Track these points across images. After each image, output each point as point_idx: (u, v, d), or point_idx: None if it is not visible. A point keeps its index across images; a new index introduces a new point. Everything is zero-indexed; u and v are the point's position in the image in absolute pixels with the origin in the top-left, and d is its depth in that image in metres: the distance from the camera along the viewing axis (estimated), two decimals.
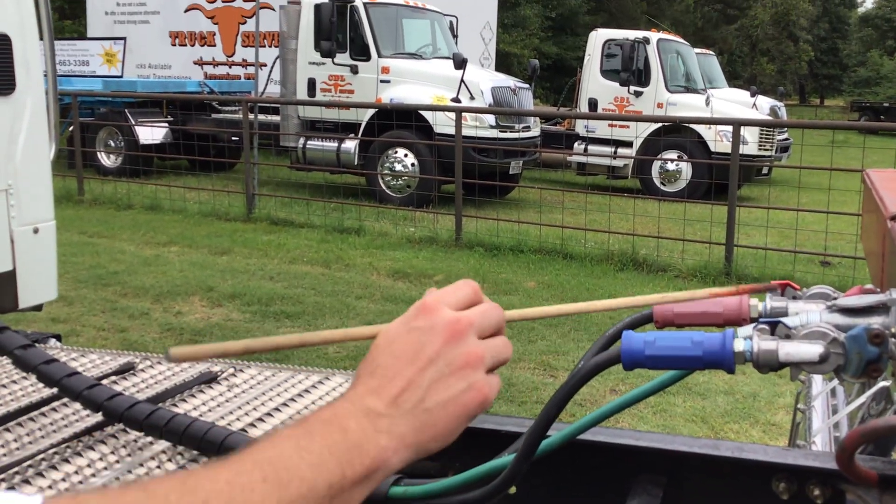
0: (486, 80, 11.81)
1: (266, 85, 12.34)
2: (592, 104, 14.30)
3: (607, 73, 14.33)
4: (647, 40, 14.07)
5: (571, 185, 12.89)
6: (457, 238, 8.91)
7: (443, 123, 10.75)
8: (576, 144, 14.37)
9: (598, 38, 14.68)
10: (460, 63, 10.99)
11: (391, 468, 0.71)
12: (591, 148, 14.02)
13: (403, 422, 0.72)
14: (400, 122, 11.07)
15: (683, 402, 4.78)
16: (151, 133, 12.81)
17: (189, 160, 13.27)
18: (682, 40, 15.89)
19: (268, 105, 12.61)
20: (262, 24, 15.24)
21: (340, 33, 11.88)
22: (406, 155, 11.37)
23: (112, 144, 13.29)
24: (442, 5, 13.25)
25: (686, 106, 13.70)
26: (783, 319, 0.94)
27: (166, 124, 13.20)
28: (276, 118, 12.53)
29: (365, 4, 11.90)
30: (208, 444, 1.47)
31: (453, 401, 0.74)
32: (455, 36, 13.48)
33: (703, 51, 19.23)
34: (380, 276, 7.69)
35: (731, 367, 0.93)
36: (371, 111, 11.50)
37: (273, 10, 14.24)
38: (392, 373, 0.73)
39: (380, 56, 11.82)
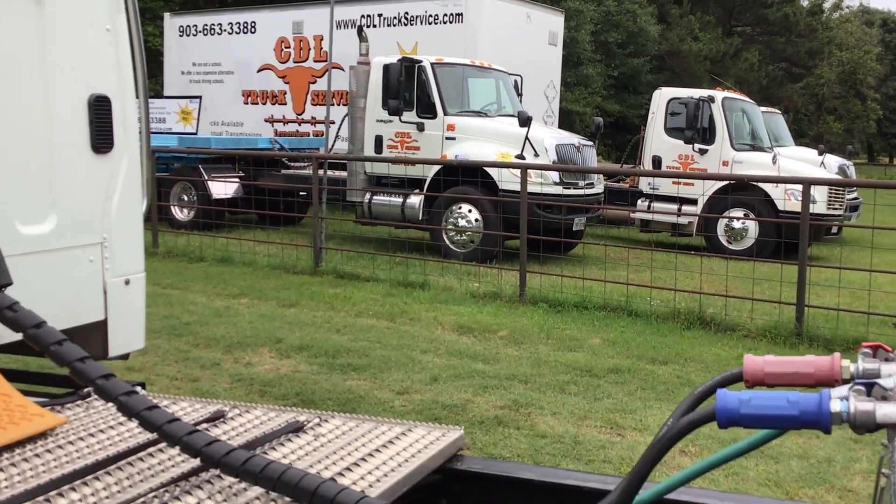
0: (550, 137, 11.92)
1: (334, 142, 12.66)
2: (656, 161, 14.28)
3: (671, 131, 14.33)
4: (711, 99, 14.06)
5: (635, 242, 12.83)
6: (521, 293, 8.93)
7: (507, 180, 10.86)
8: (639, 201, 14.33)
9: (663, 96, 14.73)
10: (525, 121, 11.13)
11: None
12: (655, 205, 13.96)
13: None
14: (465, 178, 11.23)
15: (756, 465, 4.67)
16: (224, 188, 13.20)
17: (258, 214, 13.61)
18: (747, 98, 15.83)
19: (335, 161, 12.90)
20: (331, 84, 15.72)
21: (408, 92, 12.16)
22: (470, 210, 11.49)
23: (185, 199, 13.73)
24: (507, 65, 13.48)
25: (752, 164, 13.58)
26: (879, 381, 0.96)
27: (238, 180, 13.60)
28: (343, 174, 12.81)
29: (432, 65, 12.19)
30: (302, 491, 1.53)
31: None
32: (520, 94, 13.67)
33: (769, 109, 19.10)
34: (444, 331, 7.73)
35: (827, 428, 0.94)
36: (436, 167, 11.69)
37: (343, 70, 14.66)
38: None
39: (446, 114, 12.05)
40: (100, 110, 2.67)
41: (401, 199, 11.99)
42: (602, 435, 5.16)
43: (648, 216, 14.06)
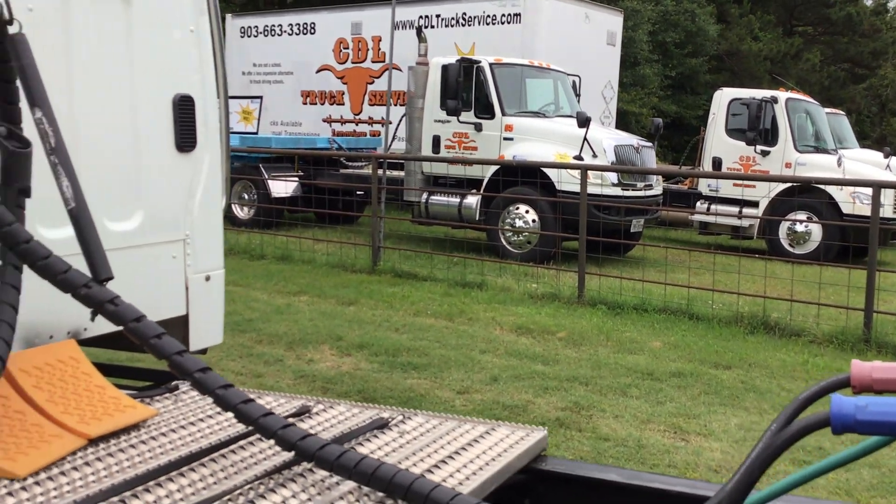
0: (608, 138, 11.83)
1: (391, 141, 12.73)
2: (717, 163, 14.06)
3: (733, 132, 14.10)
4: (775, 99, 13.79)
5: (693, 245, 12.66)
6: (579, 295, 8.88)
7: (566, 181, 10.80)
8: (698, 203, 14.14)
9: (724, 97, 14.50)
10: (584, 121, 11.06)
11: None
12: (715, 207, 13.76)
13: None
14: (522, 178, 11.20)
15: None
16: (284, 187, 13.38)
17: (316, 213, 13.75)
18: (811, 100, 15.50)
19: (392, 161, 12.97)
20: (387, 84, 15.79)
21: (466, 92, 12.18)
22: (527, 211, 11.46)
23: (246, 197, 13.95)
24: (565, 65, 13.41)
25: (816, 166, 13.29)
26: None
27: (297, 179, 13.76)
28: (399, 174, 12.88)
29: (490, 65, 12.18)
30: (396, 487, 1.54)
31: None
32: (578, 95, 13.59)
33: (834, 110, 18.66)
34: (503, 331, 7.72)
35: None
36: (494, 168, 11.68)
37: (400, 70, 14.73)
38: None
39: (504, 114, 12.04)
40: (184, 110, 2.73)
41: (458, 199, 12.01)
42: (666, 439, 5.11)
43: (708, 218, 13.85)
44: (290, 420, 1.72)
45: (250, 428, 1.73)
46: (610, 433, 5.11)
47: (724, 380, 6.33)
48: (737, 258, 9.52)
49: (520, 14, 14.80)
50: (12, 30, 1.77)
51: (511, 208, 11.59)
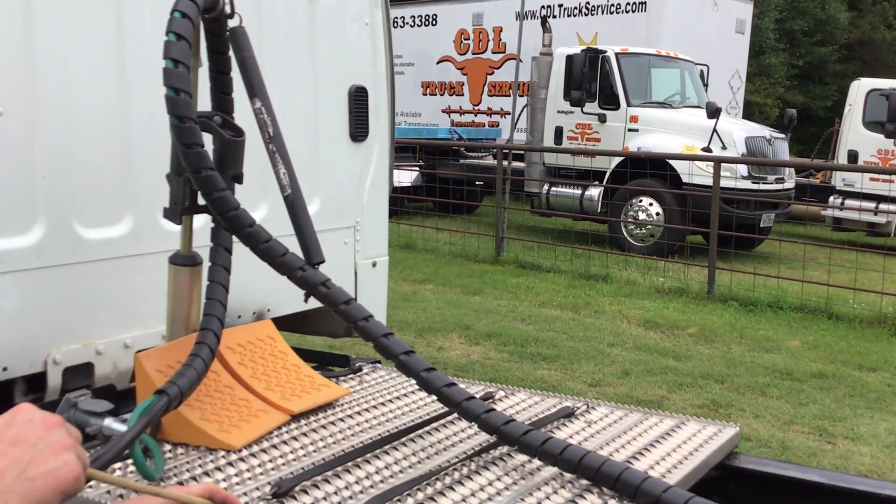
0: (739, 129, 11.48)
1: (512, 132, 12.72)
2: (852, 156, 13.43)
3: (870, 125, 13.43)
4: None
5: (824, 241, 12.14)
6: (709, 290, 8.67)
7: (693, 173, 10.55)
8: (831, 198, 13.55)
9: (861, 87, 13.82)
10: (714, 112, 10.77)
11: None
12: (849, 202, 13.15)
13: (9, 489, 0.88)
14: (646, 170, 11.00)
15: None
16: (405, 176, 13.57)
17: (435, 203, 13.89)
18: None
19: (513, 152, 12.97)
20: (507, 75, 15.78)
21: (590, 83, 12.04)
22: (651, 204, 11.25)
23: None
24: (692, 54, 13.08)
25: None
26: None
27: (418, 168, 13.94)
28: (520, 165, 12.86)
29: (617, 55, 12.00)
30: (604, 476, 1.55)
31: (52, 473, 0.92)
32: (705, 85, 13.23)
33: None
34: (630, 325, 7.63)
35: None
36: (617, 159, 11.52)
37: (521, 61, 14.68)
38: None
39: (629, 105, 11.84)
40: (358, 100, 2.81)
41: (579, 191, 11.91)
42: (811, 442, 4.94)
43: (842, 214, 13.26)
44: (491, 405, 1.75)
45: (447, 411, 1.77)
46: (751, 433, 4.98)
47: (869, 382, 6.07)
48: (879, 256, 9.08)
49: (645, 2, 14.54)
50: (233, 23, 1.86)
51: (634, 201, 11.40)
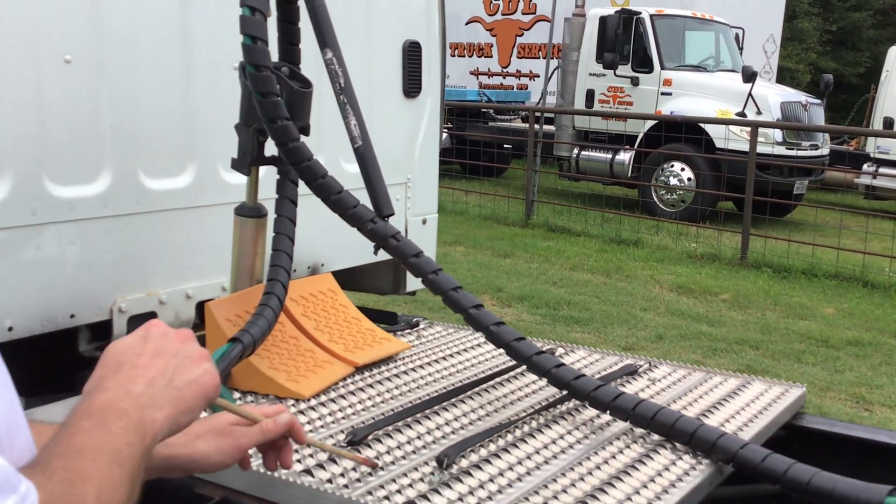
0: (775, 94, 11.29)
1: (544, 95, 12.58)
2: (888, 123, 13.19)
3: None
4: None
5: (856, 209, 11.98)
6: (742, 256, 8.60)
7: (725, 137, 10.41)
8: (865, 166, 13.33)
9: None
10: (749, 76, 10.60)
11: (162, 435, 0.88)
12: (883, 170, 12.94)
13: (161, 397, 0.89)
14: (679, 135, 10.86)
15: None
16: None
17: (462, 165, 13.82)
18: None
19: (543, 115, 12.85)
20: (537, 37, 15.58)
21: (623, 45, 11.86)
22: (683, 169, 11.14)
23: None
24: (727, 16, 12.84)
25: None
26: None
27: (446, 130, 13.84)
28: (550, 128, 12.74)
29: (651, 16, 11.80)
30: (678, 432, 1.55)
31: (196, 381, 0.93)
32: (741, 48, 13.00)
33: None
34: (662, 290, 7.60)
35: None
36: (649, 123, 11.38)
37: (550, 21, 14.48)
38: (142, 363, 0.91)
39: (663, 68, 11.67)
40: (412, 56, 2.78)
41: (609, 155, 11.79)
42: (848, 408, 4.92)
43: (876, 182, 13.06)
44: (561, 360, 1.75)
45: (511, 365, 1.77)
46: None
47: None
48: None
49: None
50: None
51: (665, 166, 11.28)
